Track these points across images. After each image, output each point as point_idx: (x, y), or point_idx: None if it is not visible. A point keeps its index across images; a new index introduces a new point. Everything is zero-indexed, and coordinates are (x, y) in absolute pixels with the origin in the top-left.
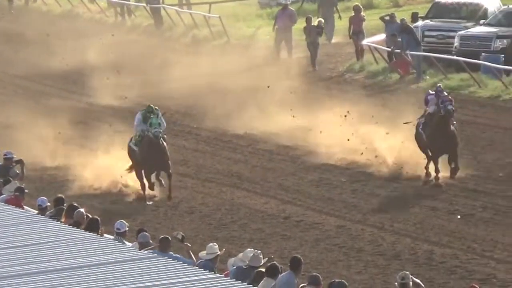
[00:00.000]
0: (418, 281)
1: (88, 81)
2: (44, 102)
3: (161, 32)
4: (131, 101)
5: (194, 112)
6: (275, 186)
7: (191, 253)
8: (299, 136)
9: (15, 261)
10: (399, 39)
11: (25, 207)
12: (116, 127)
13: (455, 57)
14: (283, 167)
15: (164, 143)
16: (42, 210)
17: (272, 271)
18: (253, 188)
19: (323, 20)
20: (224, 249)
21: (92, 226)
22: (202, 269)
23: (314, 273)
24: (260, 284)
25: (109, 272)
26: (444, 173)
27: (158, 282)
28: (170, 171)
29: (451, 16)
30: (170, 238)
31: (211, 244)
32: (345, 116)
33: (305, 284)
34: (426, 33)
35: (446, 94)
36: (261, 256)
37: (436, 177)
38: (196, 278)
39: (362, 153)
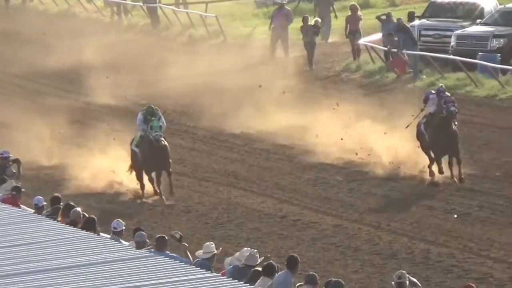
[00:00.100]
0: (414, 280)
1: (85, 80)
2: (41, 101)
3: (158, 32)
4: (128, 100)
5: (191, 111)
6: (271, 185)
7: (188, 253)
8: (296, 135)
9: (11, 260)
10: (396, 39)
11: (21, 206)
12: (113, 126)
13: (451, 57)
14: (280, 166)
15: (165, 143)
16: (38, 209)
17: (269, 270)
18: (250, 187)
19: (319, 20)
20: (220, 248)
21: (88, 225)
22: (199, 268)
23: (311, 272)
24: (257, 283)
25: (106, 271)
26: (446, 173)
27: (155, 281)
28: (170, 169)
29: (448, 16)
30: (166, 237)
31: (207, 243)
32: (333, 108)
33: (302, 283)
34: (423, 32)
35: (448, 94)
36: (258, 255)
37: (439, 172)
38: (193, 277)
39: (357, 153)
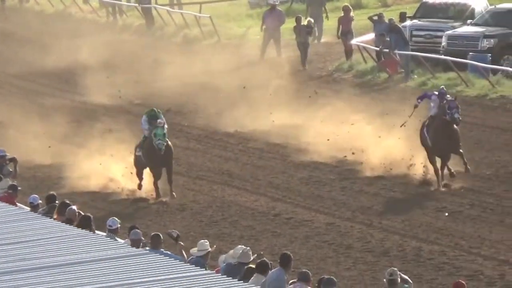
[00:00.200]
0: (406, 277)
1: (81, 80)
2: (38, 101)
3: (153, 32)
4: (124, 100)
5: (185, 111)
6: (265, 183)
7: (184, 252)
8: (289, 134)
9: (7, 258)
10: (388, 39)
11: (18, 204)
12: (109, 125)
13: (442, 57)
14: (273, 165)
15: (169, 143)
16: (33, 208)
17: (262, 268)
18: (244, 186)
19: (312, 20)
20: (215, 246)
21: (84, 223)
22: (193, 265)
23: (304, 270)
24: (250, 280)
25: (102, 268)
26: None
27: (150, 279)
28: (172, 168)
29: (439, 16)
30: (161, 235)
31: (202, 241)
32: (309, 96)
33: (295, 280)
34: (414, 32)
35: (452, 99)
36: (250, 253)
37: (451, 174)
38: (187, 274)
39: (353, 153)
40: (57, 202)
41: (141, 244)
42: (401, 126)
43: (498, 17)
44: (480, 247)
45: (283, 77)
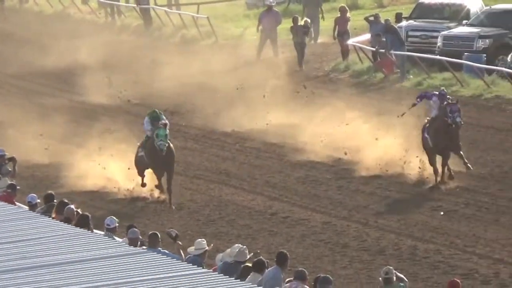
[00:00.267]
0: (401, 276)
1: (79, 80)
2: (37, 101)
3: (151, 32)
4: (122, 100)
5: (183, 111)
6: (262, 183)
7: (182, 251)
8: (286, 134)
9: (7, 256)
10: (384, 39)
11: (17, 203)
12: (108, 125)
13: (438, 57)
14: (270, 165)
15: (173, 151)
16: (32, 207)
17: (259, 266)
18: (241, 185)
19: (309, 20)
20: (212, 245)
21: (82, 222)
22: (191, 264)
23: (300, 268)
24: (247, 279)
25: (100, 267)
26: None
27: (148, 277)
28: (172, 174)
29: (435, 17)
30: (159, 234)
31: (199, 239)
32: (298, 92)
33: (292, 278)
34: (410, 33)
35: (454, 102)
36: (247, 251)
37: (450, 177)
38: (185, 273)
39: (346, 153)
40: (55, 201)
41: (139, 243)
42: (398, 116)
43: (493, 18)
44: (475, 246)
45: (280, 77)
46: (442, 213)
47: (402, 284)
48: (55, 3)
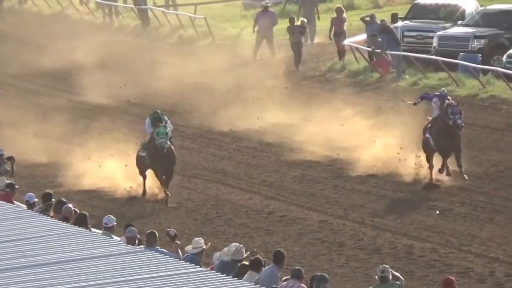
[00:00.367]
0: (397, 274)
1: (78, 80)
2: (35, 101)
3: (148, 33)
4: (119, 99)
5: (181, 110)
6: (259, 182)
7: (180, 251)
8: (283, 133)
9: (5, 255)
10: (379, 39)
11: (15, 202)
12: (106, 125)
13: (434, 57)
14: (267, 164)
15: (172, 147)
16: (30, 206)
17: (256, 265)
18: (238, 184)
19: (306, 20)
20: (209, 244)
21: (80, 221)
22: (188, 262)
23: (297, 267)
24: (244, 277)
25: (98, 265)
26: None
27: (146, 276)
28: (172, 177)
29: (430, 17)
30: (156, 233)
31: (196, 238)
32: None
33: (288, 277)
34: (406, 33)
35: (456, 104)
36: (243, 250)
37: (447, 173)
38: (182, 271)
39: (338, 154)
40: (53, 200)
41: (137, 241)
42: (402, 101)
43: (488, 18)
44: (471, 245)
45: (277, 77)
46: (437, 212)
47: (398, 282)
48: (53, 4)
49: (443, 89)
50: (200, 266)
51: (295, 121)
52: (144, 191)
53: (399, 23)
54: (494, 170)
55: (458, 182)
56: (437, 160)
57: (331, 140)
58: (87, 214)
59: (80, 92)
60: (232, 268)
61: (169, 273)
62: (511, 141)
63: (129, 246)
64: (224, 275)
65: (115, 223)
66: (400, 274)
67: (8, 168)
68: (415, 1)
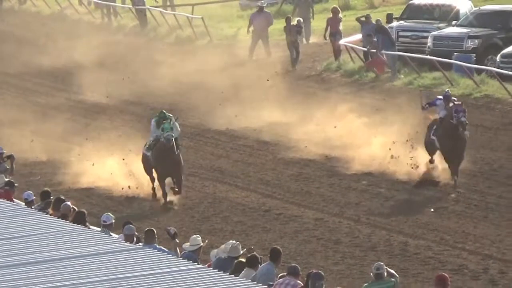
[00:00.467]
0: (392, 271)
1: (76, 79)
2: (34, 100)
3: (146, 33)
4: (118, 98)
5: (178, 109)
6: (255, 180)
7: (178, 249)
8: (279, 132)
9: (5, 252)
10: (375, 39)
11: (15, 200)
12: (104, 124)
13: (428, 57)
14: (264, 162)
15: (179, 153)
16: (28, 204)
17: (253, 262)
18: (235, 182)
19: (302, 20)
20: (207, 241)
21: (78, 219)
22: (186, 260)
23: (293, 264)
24: (241, 274)
25: (96, 262)
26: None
27: (143, 273)
28: (182, 178)
29: (425, 17)
30: (155, 231)
31: (194, 236)
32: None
33: (285, 274)
34: (401, 33)
35: (459, 103)
36: (240, 247)
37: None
38: (180, 268)
39: (326, 156)
40: (51, 198)
41: (135, 239)
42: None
43: (482, 18)
44: (465, 242)
45: (273, 77)
46: (432, 210)
47: (393, 279)
48: (52, 4)
49: (447, 89)
50: (198, 263)
51: (292, 120)
52: (154, 193)
53: (394, 23)
54: (488, 169)
55: (452, 181)
56: (438, 161)
57: (327, 139)
58: (86, 211)
59: (79, 91)
60: (229, 265)
61: (166, 270)
62: (504, 140)
63: (127, 243)
64: (221, 272)
65: (113, 221)
66: (395, 271)
67: (7, 167)
68: (410, 2)
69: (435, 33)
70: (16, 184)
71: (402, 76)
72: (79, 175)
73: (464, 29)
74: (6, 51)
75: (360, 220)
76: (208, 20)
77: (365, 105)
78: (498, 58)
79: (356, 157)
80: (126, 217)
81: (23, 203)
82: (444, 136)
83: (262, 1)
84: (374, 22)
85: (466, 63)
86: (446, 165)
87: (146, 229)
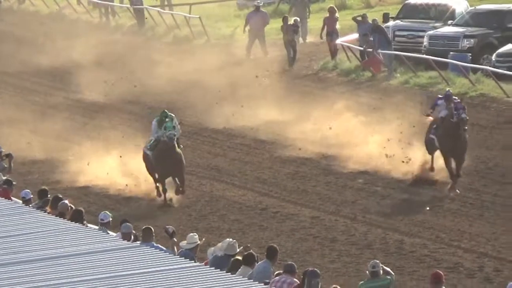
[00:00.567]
0: (388, 269)
1: (74, 78)
2: (32, 99)
3: (144, 32)
4: (116, 97)
5: (176, 108)
6: (252, 178)
7: (176, 248)
8: (276, 131)
9: (3, 250)
10: (371, 39)
11: (13, 198)
12: (103, 123)
13: (424, 56)
14: (260, 161)
15: (180, 152)
16: (26, 202)
17: (249, 260)
18: (232, 181)
19: (298, 19)
20: (203, 239)
21: (76, 217)
22: (183, 258)
23: (290, 262)
24: (237, 272)
25: (94, 260)
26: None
27: (141, 271)
28: (184, 177)
29: (421, 17)
30: (152, 229)
31: (191, 234)
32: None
33: (281, 271)
34: (397, 32)
35: (459, 100)
36: (236, 245)
37: (453, 180)
38: (177, 266)
39: (322, 155)
40: (49, 196)
41: (133, 237)
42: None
43: (478, 18)
44: (460, 240)
45: (270, 76)
46: (428, 208)
47: (388, 277)
48: (51, 4)
49: (448, 89)
50: (195, 261)
51: (289, 119)
52: (159, 192)
53: (391, 23)
54: (483, 167)
55: (448, 179)
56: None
57: (323, 138)
58: (83, 210)
59: (77, 90)
60: (226, 263)
61: (163, 268)
62: (500, 138)
63: (125, 241)
64: (218, 270)
65: (111, 219)
66: (391, 269)
67: (5, 165)
68: (406, 1)
69: (431, 32)
70: (14, 183)
71: (398, 75)
72: (77, 174)
73: (460, 28)
74: (4, 50)
75: (356, 218)
76: (206, 20)
77: (361, 104)
78: (493, 57)
79: (353, 156)
80: (124, 215)
81: (21, 202)
82: (445, 136)
83: (259, 1)
84: (370, 21)
85: (462, 62)
86: (443, 164)
87: (144, 227)
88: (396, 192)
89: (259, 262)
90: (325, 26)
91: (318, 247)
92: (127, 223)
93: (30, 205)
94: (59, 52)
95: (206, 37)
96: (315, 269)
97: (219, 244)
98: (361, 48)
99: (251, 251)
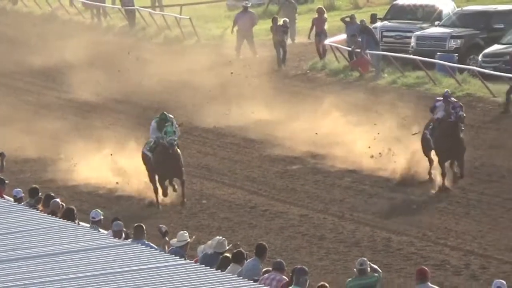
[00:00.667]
0: (375, 267)
1: (67, 78)
2: (25, 98)
3: (135, 33)
4: (107, 97)
5: (166, 108)
6: (242, 177)
7: (167, 248)
8: (265, 130)
9: None
10: (359, 39)
11: (5, 197)
12: (95, 122)
13: (411, 56)
14: (250, 160)
15: (178, 150)
16: (17, 201)
17: (239, 258)
18: (222, 179)
19: (288, 20)
20: (194, 237)
21: (67, 215)
22: (173, 255)
23: (279, 259)
24: (227, 269)
25: (85, 258)
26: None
27: (131, 268)
28: (184, 178)
29: (408, 18)
30: (144, 226)
31: (181, 232)
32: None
33: (270, 269)
34: (385, 33)
35: (455, 100)
36: (226, 243)
37: (443, 181)
38: (167, 264)
39: (314, 157)
40: (40, 194)
41: (124, 235)
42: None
43: (464, 19)
44: (447, 238)
45: (259, 76)
46: (415, 206)
47: (376, 274)
48: (43, 5)
49: (446, 90)
50: (185, 259)
51: (278, 118)
52: (165, 192)
53: (378, 24)
54: (469, 166)
55: (435, 178)
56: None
57: (312, 137)
58: (75, 208)
59: (70, 90)
60: (215, 261)
61: (154, 265)
62: (486, 138)
63: (116, 239)
64: (207, 267)
65: (102, 217)
66: (378, 267)
67: None
68: (394, 2)
69: (418, 33)
70: (6, 181)
71: (386, 75)
72: (69, 172)
73: (447, 29)
74: None
75: (344, 217)
76: (196, 21)
77: (349, 104)
78: (480, 57)
79: (340, 155)
80: (115, 213)
81: (12, 200)
82: (442, 137)
83: (247, 1)
84: (358, 22)
85: (448, 62)
86: (432, 164)
87: (135, 224)
88: (384, 191)
89: (248, 260)
90: (314, 27)
91: (307, 244)
92: (118, 221)
93: (22, 204)
94: (52, 52)
95: (197, 38)
96: (304, 266)
97: (209, 242)
98: (349, 49)
99: (241, 248)
